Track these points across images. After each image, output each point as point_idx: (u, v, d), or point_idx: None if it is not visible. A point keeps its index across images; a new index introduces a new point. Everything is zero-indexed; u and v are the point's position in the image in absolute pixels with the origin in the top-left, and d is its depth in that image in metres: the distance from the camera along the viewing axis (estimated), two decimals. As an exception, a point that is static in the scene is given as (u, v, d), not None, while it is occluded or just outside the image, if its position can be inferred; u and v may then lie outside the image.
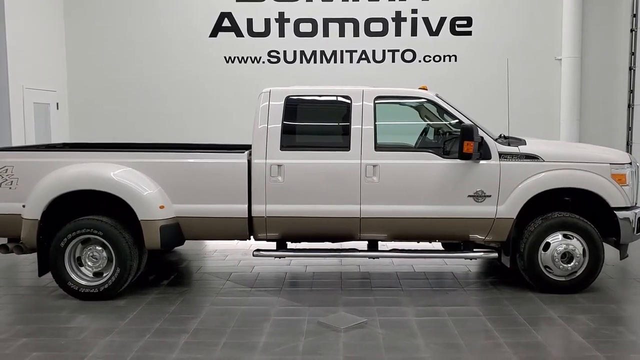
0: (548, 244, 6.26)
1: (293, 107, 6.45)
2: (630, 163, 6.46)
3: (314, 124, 6.69)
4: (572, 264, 6.25)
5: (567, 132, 11.26)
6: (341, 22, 11.50)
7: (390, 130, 6.78)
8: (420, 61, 11.51)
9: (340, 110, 6.45)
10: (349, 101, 6.38)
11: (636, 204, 6.52)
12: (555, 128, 11.42)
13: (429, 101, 6.50)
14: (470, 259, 7.15)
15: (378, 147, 6.25)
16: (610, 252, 6.78)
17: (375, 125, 6.28)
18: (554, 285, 6.29)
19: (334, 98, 6.58)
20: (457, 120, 6.34)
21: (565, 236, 6.26)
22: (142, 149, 7.25)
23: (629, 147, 11.22)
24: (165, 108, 11.73)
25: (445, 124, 6.57)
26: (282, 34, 11.58)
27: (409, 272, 7.28)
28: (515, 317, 5.64)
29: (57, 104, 11.48)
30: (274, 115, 6.35)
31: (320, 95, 6.70)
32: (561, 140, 11.24)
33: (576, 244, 6.24)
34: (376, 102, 6.37)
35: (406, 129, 7.24)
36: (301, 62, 11.60)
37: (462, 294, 6.43)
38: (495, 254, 6.49)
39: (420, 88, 6.64)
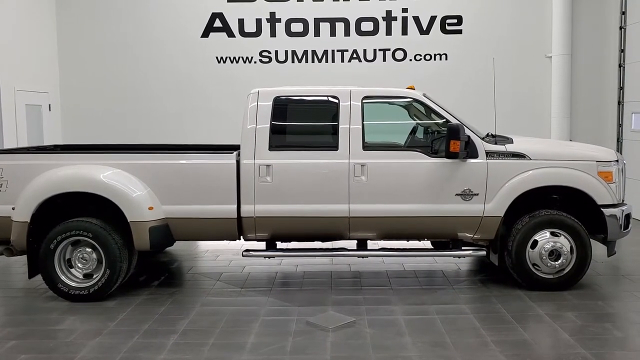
0: (536, 242, 6.30)
1: (281, 108, 6.47)
2: (617, 160, 6.50)
3: (302, 124, 6.71)
4: (559, 261, 6.29)
5: (557, 129, 11.28)
6: (332, 21, 11.51)
7: (379, 130, 6.81)
8: (411, 60, 11.51)
9: (329, 110, 6.47)
10: (336, 101, 6.41)
11: (623, 201, 6.56)
12: (546, 125, 11.44)
13: (416, 101, 6.54)
14: (459, 257, 7.18)
15: (366, 147, 6.29)
16: (598, 249, 6.84)
17: (363, 125, 6.32)
18: (542, 282, 6.34)
19: (322, 98, 6.60)
20: (444, 120, 6.38)
21: (552, 234, 6.30)
22: (131, 150, 7.26)
23: (619, 144, 11.26)
24: (157, 109, 11.72)
25: (432, 123, 6.60)
26: (273, 34, 11.58)
27: (399, 270, 7.32)
28: (502, 315, 5.68)
29: (50, 105, 11.46)
30: (262, 115, 6.38)
31: (308, 96, 6.71)
32: (552, 137, 11.27)
33: (563, 242, 6.29)
34: (364, 101, 6.40)
35: (394, 129, 7.28)
36: (293, 61, 11.59)
37: (450, 292, 6.47)
38: (484, 252, 6.53)
39: (407, 88, 6.68)
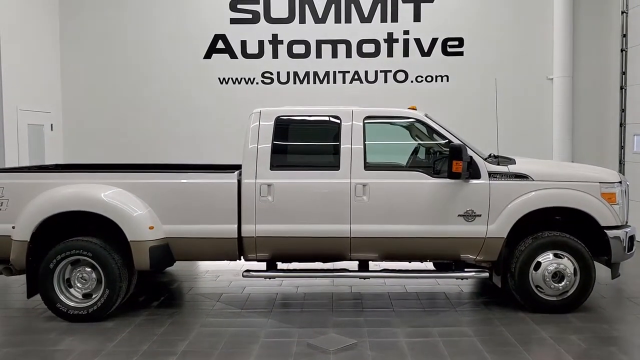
0: (539, 264, 6.24)
1: (283, 127, 6.47)
2: (620, 182, 6.47)
3: (304, 144, 6.71)
4: (563, 283, 6.23)
5: (559, 151, 11.29)
6: (334, 43, 11.59)
7: (380, 150, 6.79)
8: (412, 81, 11.57)
9: (330, 130, 6.47)
10: (338, 121, 6.41)
11: (627, 222, 6.52)
12: (548, 147, 11.44)
13: (418, 121, 6.53)
14: (462, 279, 7.10)
15: (368, 167, 6.27)
16: (602, 271, 6.78)
17: (364, 145, 6.31)
18: (546, 305, 6.27)
19: (324, 118, 6.61)
20: (446, 140, 6.37)
21: (556, 255, 6.25)
22: (132, 169, 7.24)
23: (621, 166, 11.24)
24: (159, 129, 11.76)
25: (435, 143, 6.59)
26: (275, 55, 11.66)
27: (401, 292, 7.25)
28: (506, 338, 5.61)
29: (52, 125, 11.50)
30: (264, 135, 6.37)
31: (309, 116, 6.73)
32: (554, 159, 11.26)
33: (567, 264, 6.23)
34: (365, 122, 6.40)
35: (396, 149, 7.26)
36: (294, 82, 11.65)
37: (453, 314, 6.39)
38: (487, 274, 6.47)
39: (409, 108, 6.68)
